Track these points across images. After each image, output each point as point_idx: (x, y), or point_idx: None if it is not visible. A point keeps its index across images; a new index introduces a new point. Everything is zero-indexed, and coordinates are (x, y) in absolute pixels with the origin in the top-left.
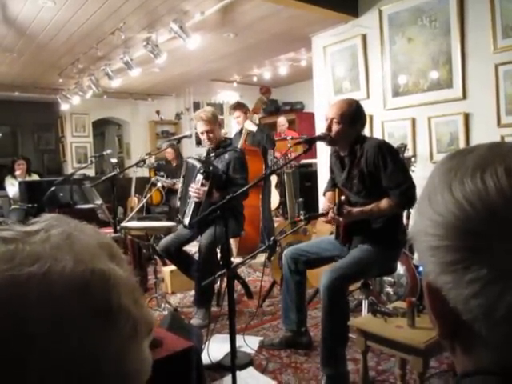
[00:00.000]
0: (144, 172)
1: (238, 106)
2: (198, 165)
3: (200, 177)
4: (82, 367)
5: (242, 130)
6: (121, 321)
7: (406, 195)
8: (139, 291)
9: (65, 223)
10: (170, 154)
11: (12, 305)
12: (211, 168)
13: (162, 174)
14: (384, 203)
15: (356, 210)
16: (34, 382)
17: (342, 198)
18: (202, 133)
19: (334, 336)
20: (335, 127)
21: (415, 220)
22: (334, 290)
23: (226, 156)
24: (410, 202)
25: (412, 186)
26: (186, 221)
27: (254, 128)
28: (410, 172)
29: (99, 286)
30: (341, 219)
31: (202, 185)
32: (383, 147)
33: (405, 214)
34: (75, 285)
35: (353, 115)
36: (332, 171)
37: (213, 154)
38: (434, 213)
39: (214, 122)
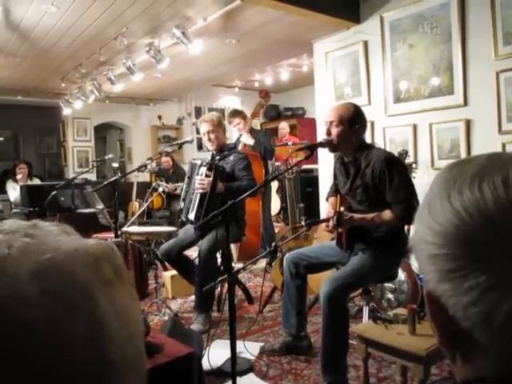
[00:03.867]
0: (145, 177)
1: (237, 113)
2: (200, 161)
3: (203, 169)
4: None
5: (240, 135)
6: (127, 286)
7: (409, 211)
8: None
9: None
10: (167, 162)
11: None
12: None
13: (161, 179)
14: (385, 214)
15: (358, 216)
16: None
17: (342, 208)
18: (204, 133)
19: (334, 345)
20: (335, 130)
21: (415, 228)
22: (335, 300)
23: (231, 158)
24: (411, 220)
25: (415, 204)
26: (192, 216)
27: (251, 142)
28: (412, 179)
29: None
30: (340, 230)
31: (207, 176)
32: (391, 161)
33: None
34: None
35: (351, 117)
36: (335, 177)
37: (218, 157)
38: (433, 222)
39: (218, 125)
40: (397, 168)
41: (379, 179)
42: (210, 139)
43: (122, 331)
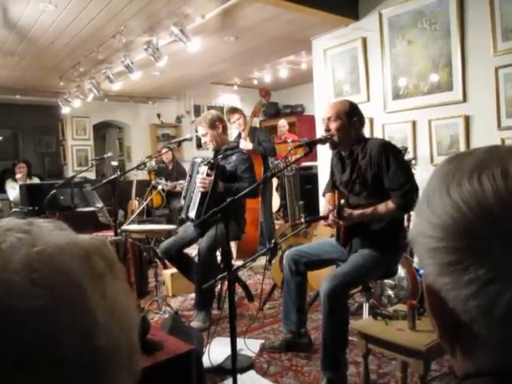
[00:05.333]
0: (144, 175)
1: (236, 110)
2: (200, 160)
3: (204, 168)
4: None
5: (240, 134)
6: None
7: (408, 197)
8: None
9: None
10: (167, 155)
11: None
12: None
13: (161, 177)
14: (385, 205)
15: (357, 212)
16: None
17: (342, 201)
18: (201, 136)
19: (334, 341)
20: (333, 125)
21: (414, 222)
22: (335, 297)
23: (234, 157)
24: (411, 204)
25: (414, 188)
26: (192, 214)
27: (249, 146)
28: (409, 165)
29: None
30: (341, 222)
31: (208, 175)
32: (387, 147)
33: (405, 216)
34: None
35: (348, 111)
36: (332, 173)
37: (220, 156)
38: (433, 215)
39: (210, 126)
40: (393, 153)
41: (377, 165)
42: (205, 142)
43: (113, 323)
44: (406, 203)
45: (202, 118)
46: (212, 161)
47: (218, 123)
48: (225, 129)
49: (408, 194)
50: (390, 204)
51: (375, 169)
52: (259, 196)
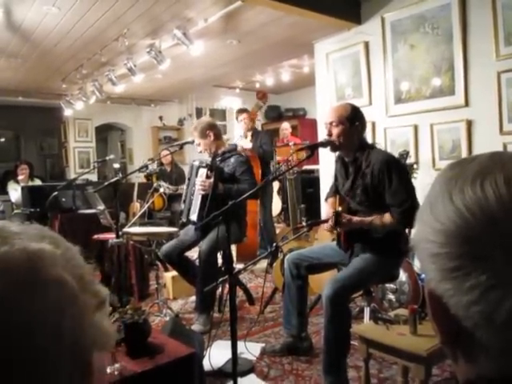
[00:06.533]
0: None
1: (245, 110)
2: (198, 162)
3: (203, 170)
4: (13, 337)
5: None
6: (52, 290)
7: (406, 215)
8: (85, 269)
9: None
10: (166, 157)
11: None
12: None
13: (161, 179)
14: (384, 218)
15: (356, 219)
16: None
17: (340, 208)
18: (196, 145)
19: (336, 345)
20: (335, 130)
21: (417, 228)
22: (337, 301)
23: (232, 160)
24: (410, 222)
25: (414, 207)
26: (194, 217)
27: (249, 145)
28: (412, 179)
29: (22, 260)
30: (339, 229)
31: (208, 177)
32: (391, 164)
33: None
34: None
35: (350, 115)
36: (336, 178)
37: (219, 158)
38: (435, 220)
39: (201, 136)
40: (396, 170)
41: (378, 180)
42: (201, 151)
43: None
44: (405, 221)
45: (193, 128)
46: (210, 163)
47: (208, 132)
48: (217, 135)
49: (407, 212)
50: (390, 218)
51: (376, 183)
52: (259, 197)
